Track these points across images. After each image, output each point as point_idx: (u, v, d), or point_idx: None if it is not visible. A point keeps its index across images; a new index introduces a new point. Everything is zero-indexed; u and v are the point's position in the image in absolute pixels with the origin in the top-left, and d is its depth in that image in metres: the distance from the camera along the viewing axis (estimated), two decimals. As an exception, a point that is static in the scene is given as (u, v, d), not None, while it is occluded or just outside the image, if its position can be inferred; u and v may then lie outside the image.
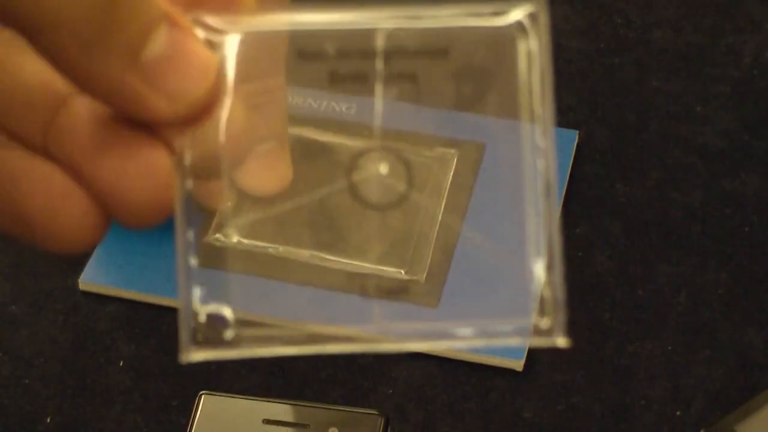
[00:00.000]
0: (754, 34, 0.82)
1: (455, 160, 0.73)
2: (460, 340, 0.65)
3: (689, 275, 0.69)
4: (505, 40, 0.51)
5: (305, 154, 0.75)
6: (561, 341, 0.54)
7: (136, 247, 0.69)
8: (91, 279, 0.68)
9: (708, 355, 0.65)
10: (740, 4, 0.84)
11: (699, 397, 0.63)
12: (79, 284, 0.68)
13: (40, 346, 0.66)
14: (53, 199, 0.33)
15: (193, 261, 0.64)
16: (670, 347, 0.66)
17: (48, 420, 0.63)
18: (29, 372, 0.65)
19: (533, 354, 0.65)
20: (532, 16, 0.51)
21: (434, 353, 0.65)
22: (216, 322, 0.45)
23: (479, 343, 0.65)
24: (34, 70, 0.34)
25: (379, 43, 0.45)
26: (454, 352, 0.65)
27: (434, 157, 0.74)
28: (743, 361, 0.65)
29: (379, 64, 0.45)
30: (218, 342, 0.42)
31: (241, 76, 0.39)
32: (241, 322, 0.48)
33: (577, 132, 0.75)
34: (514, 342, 0.66)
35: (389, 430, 0.56)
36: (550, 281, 0.61)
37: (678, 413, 0.63)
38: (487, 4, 0.57)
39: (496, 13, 0.52)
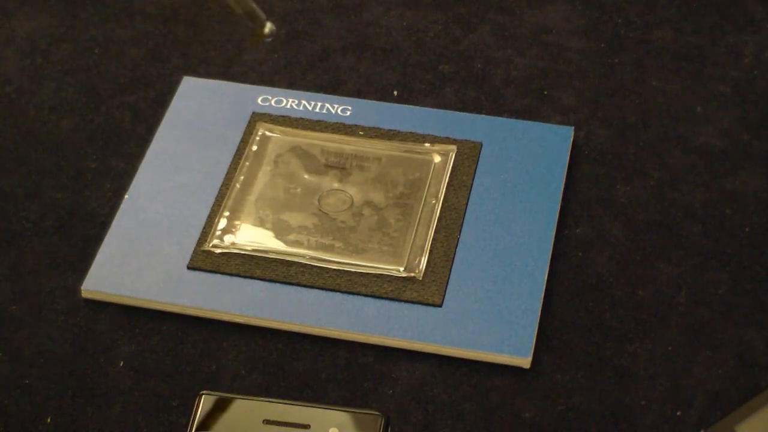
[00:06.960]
0: (754, 34, 0.82)
1: (453, 158, 0.73)
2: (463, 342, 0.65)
3: (689, 275, 0.69)
4: None
5: (303, 158, 0.75)
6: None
7: (135, 252, 0.69)
8: (93, 286, 0.68)
9: (708, 355, 0.65)
10: (740, 4, 0.84)
11: (699, 397, 0.63)
12: (81, 292, 0.68)
13: (40, 346, 0.66)
14: None
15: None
16: (670, 347, 0.66)
17: (48, 420, 0.63)
18: (29, 372, 0.65)
19: (535, 354, 0.65)
20: None
21: (438, 352, 0.65)
22: None
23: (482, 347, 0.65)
24: None
25: None
26: (461, 350, 0.65)
27: (431, 155, 0.74)
28: (743, 361, 0.65)
29: None
30: None
31: None
32: None
33: (573, 128, 0.75)
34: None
35: (389, 430, 0.56)
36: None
37: (678, 413, 0.63)
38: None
39: None
